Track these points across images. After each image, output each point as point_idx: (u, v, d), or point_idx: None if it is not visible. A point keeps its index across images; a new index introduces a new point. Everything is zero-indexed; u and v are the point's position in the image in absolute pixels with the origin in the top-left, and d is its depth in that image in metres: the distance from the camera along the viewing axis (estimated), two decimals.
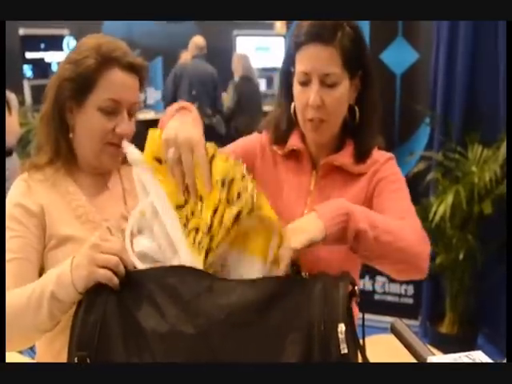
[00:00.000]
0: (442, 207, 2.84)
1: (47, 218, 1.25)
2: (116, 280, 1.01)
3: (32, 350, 1.96)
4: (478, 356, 0.94)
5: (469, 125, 3.10)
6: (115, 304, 1.00)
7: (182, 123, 1.09)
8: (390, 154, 1.34)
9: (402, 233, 1.11)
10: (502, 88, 2.92)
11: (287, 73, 1.32)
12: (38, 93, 6.37)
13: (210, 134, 5.29)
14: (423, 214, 2.97)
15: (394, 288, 3.51)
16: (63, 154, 1.30)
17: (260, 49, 7.80)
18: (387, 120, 3.34)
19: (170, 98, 5.41)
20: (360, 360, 0.98)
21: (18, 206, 1.24)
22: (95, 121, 1.25)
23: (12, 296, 1.12)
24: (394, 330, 1.07)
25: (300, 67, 1.25)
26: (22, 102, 5.92)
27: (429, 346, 1.01)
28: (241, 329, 0.95)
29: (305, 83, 1.25)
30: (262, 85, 7.07)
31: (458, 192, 2.85)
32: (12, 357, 1.40)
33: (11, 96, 3.32)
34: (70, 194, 1.29)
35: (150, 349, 0.97)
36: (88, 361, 0.97)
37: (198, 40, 5.40)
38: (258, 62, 6.87)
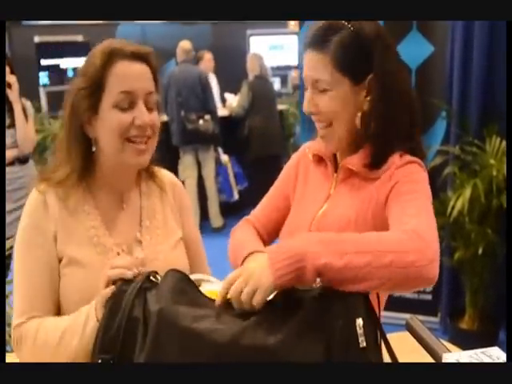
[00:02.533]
0: (459, 201, 2.80)
1: (59, 236, 1.24)
2: (111, 288, 1.07)
3: None
4: (495, 352, 0.92)
5: (486, 117, 3.05)
6: (140, 308, 1.03)
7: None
8: (412, 158, 1.24)
9: (387, 247, 0.99)
10: None
11: None
12: (54, 99, 6.47)
13: (196, 137, 5.26)
14: (441, 208, 2.94)
15: None
16: (82, 170, 1.27)
17: (274, 47, 7.81)
18: None
19: (163, 107, 5.43)
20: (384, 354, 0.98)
21: (34, 228, 1.24)
22: (113, 119, 1.21)
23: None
24: (408, 328, 1.06)
25: (303, 73, 1.27)
26: (38, 109, 6.00)
27: (444, 343, 1.00)
28: (259, 328, 0.95)
29: (306, 89, 1.26)
30: (276, 83, 7.07)
31: (476, 185, 2.81)
32: None
33: (27, 104, 3.34)
34: (85, 212, 1.27)
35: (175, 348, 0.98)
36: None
37: (184, 44, 5.33)
38: (271, 60, 6.87)
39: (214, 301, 1.03)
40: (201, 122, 5.14)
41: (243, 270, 1.01)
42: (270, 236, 1.42)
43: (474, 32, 3.04)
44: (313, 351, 0.94)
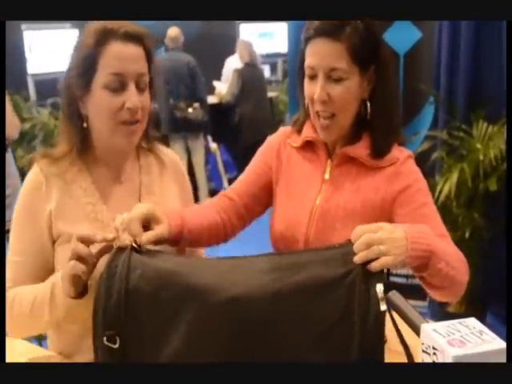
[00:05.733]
0: (447, 186, 2.82)
1: (55, 214, 1.24)
2: (80, 266, 1.07)
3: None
4: (472, 322, 0.93)
5: (473, 102, 3.06)
6: (137, 280, 1.04)
7: None
8: (408, 152, 1.32)
9: (458, 264, 1.14)
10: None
11: (301, 67, 1.30)
12: (42, 88, 6.40)
13: (186, 125, 5.23)
14: None
15: (402, 269, 3.49)
16: (78, 145, 1.27)
17: (263, 35, 7.77)
18: None
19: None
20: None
21: (27, 208, 1.25)
22: (103, 100, 1.20)
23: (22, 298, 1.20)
24: (389, 302, 1.06)
25: (307, 61, 1.24)
26: (26, 98, 5.94)
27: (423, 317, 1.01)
28: (278, 286, 0.99)
29: (312, 77, 1.24)
30: (266, 71, 7.05)
31: (463, 170, 2.83)
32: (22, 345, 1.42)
33: None
34: (82, 189, 1.27)
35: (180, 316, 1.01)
36: (117, 339, 1.02)
37: (172, 32, 5.26)
38: (261, 48, 6.84)
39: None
40: (190, 110, 5.11)
41: (384, 228, 1.01)
42: (248, 210, 1.40)
43: None
44: (332, 308, 0.98)
